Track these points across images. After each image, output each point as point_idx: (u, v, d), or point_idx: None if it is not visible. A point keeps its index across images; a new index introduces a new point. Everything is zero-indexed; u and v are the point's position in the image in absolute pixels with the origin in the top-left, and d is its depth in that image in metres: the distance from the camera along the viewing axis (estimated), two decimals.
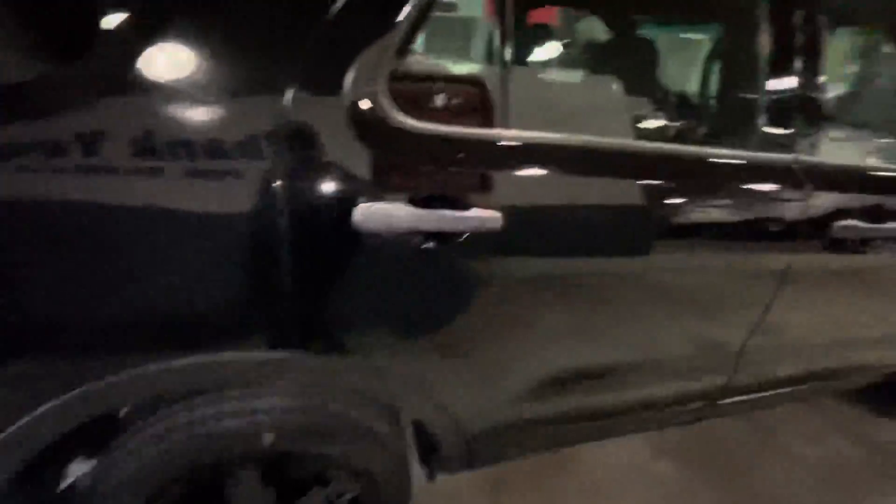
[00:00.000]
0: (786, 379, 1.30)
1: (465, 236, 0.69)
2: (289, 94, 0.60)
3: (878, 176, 1.12)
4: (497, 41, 0.78)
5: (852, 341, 1.31)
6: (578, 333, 0.92)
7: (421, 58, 1.06)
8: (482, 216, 0.68)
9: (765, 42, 0.93)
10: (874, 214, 1.04)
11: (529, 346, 0.89)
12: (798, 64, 0.94)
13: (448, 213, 0.67)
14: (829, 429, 1.66)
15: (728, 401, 1.24)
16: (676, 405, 1.18)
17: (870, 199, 1.05)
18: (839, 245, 1.03)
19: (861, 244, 1.06)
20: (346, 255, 0.67)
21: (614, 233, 0.85)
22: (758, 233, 0.96)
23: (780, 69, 0.94)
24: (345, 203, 0.63)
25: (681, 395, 1.17)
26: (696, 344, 1.10)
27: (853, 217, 1.01)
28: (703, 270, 0.97)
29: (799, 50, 0.93)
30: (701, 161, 0.92)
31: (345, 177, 0.64)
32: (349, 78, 0.63)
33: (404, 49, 0.68)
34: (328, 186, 0.63)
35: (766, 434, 1.59)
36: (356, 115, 0.63)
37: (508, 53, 0.76)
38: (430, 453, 0.97)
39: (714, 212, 0.92)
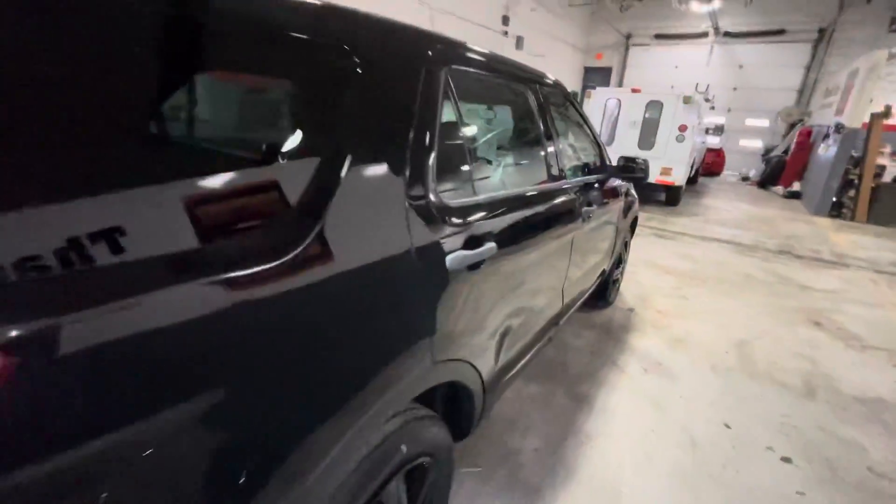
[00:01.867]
0: (572, 301, 2.21)
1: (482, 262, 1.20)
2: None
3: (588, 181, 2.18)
4: None
5: (592, 269, 2.43)
6: (520, 296, 1.53)
7: None
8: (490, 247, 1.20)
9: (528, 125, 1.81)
10: (592, 202, 2.11)
11: (500, 316, 1.40)
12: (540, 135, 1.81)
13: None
14: (581, 328, 2.95)
15: (561, 321, 2.10)
16: (548, 329, 1.94)
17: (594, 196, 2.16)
18: (587, 222, 2.05)
19: (588, 220, 2.06)
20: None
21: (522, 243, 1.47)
22: (559, 222, 1.76)
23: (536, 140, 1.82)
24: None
25: (548, 324, 1.92)
26: (553, 289, 1.88)
27: (589, 205, 2.05)
28: (546, 248, 1.66)
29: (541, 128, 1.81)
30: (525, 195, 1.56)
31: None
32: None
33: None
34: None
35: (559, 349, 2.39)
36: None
37: None
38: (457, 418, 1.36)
39: (539, 217, 1.59)
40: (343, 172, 0.84)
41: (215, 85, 0.80)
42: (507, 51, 9.56)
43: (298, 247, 0.74)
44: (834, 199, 7.55)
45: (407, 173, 0.98)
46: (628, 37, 13.78)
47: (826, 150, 7.88)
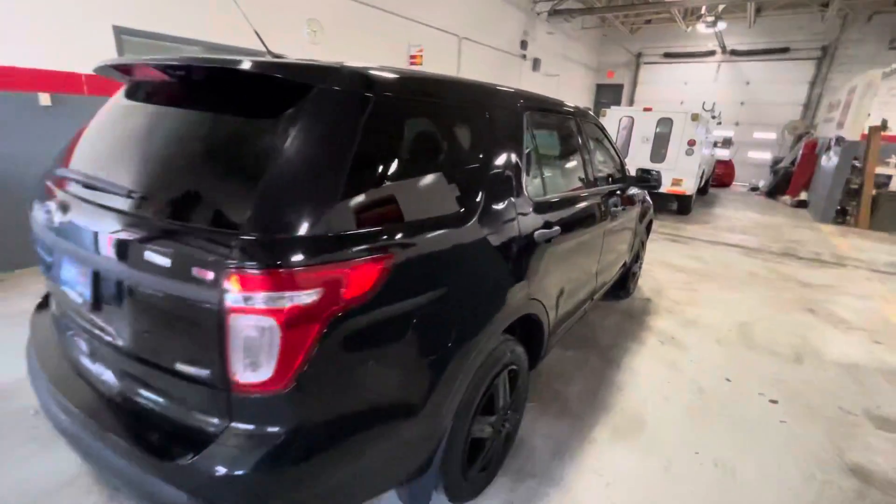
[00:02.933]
0: (602, 283, 2.81)
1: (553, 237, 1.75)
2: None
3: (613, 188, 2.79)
4: None
5: (616, 259, 3.06)
6: (570, 269, 2.16)
7: None
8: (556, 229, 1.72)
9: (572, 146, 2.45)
10: (617, 205, 2.74)
11: (560, 279, 2.02)
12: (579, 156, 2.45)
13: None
14: (607, 313, 3.54)
15: (595, 297, 2.73)
16: (585, 301, 2.55)
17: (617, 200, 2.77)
18: (613, 220, 2.67)
19: (615, 218, 2.70)
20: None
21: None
22: (595, 218, 2.37)
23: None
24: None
25: (586, 297, 2.54)
26: (590, 269, 2.50)
27: (615, 207, 2.69)
28: (587, 236, 2.29)
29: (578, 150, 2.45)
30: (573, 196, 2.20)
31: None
32: None
33: None
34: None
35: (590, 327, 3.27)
36: None
37: None
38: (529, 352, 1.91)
39: (582, 212, 2.22)
40: (485, 181, 1.48)
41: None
42: (525, 72, 10.30)
43: (468, 223, 1.38)
44: (838, 207, 8.02)
45: (514, 180, 1.63)
46: (638, 55, 14.46)
47: (829, 161, 8.37)
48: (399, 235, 1.14)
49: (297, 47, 5.27)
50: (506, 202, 1.57)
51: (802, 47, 11.99)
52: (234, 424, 1.03)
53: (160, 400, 1.13)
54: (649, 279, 4.40)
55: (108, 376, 1.23)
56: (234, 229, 0.95)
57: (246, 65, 1.04)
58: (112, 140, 1.34)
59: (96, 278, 1.17)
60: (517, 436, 2.01)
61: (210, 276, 0.93)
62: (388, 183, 1.16)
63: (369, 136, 1.12)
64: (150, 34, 4.14)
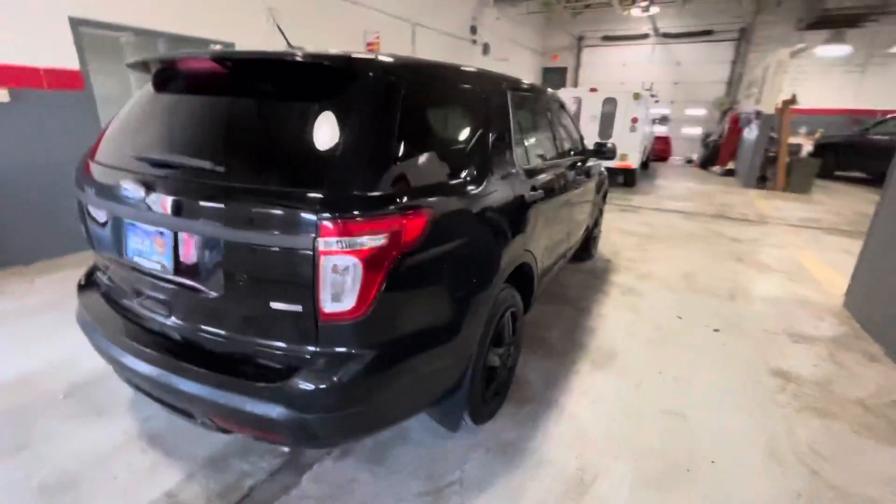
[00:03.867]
0: (573, 244, 3.29)
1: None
2: None
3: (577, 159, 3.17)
4: None
5: (582, 222, 3.48)
6: (551, 227, 2.50)
7: None
8: (540, 192, 2.07)
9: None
10: (580, 173, 3.14)
11: (544, 235, 2.36)
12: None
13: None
14: (575, 273, 3.84)
15: (568, 254, 3.13)
16: (561, 258, 2.95)
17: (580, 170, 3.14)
18: (578, 188, 3.05)
19: (578, 186, 3.07)
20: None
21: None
22: (565, 184, 2.75)
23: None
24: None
25: (562, 253, 2.96)
26: (565, 230, 2.90)
27: (578, 176, 3.07)
28: (560, 200, 2.64)
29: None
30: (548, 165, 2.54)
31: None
32: None
33: None
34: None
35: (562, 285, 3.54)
36: None
37: None
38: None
39: (556, 179, 2.56)
40: (489, 150, 1.79)
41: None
42: (476, 56, 10.60)
43: (481, 185, 1.69)
44: (759, 173, 9.03)
45: (508, 149, 1.94)
46: (580, 39, 15.15)
47: (750, 133, 9.38)
48: (436, 194, 1.42)
49: (258, 34, 5.26)
50: (506, 168, 1.88)
51: (724, 29, 13.09)
52: (320, 349, 1.30)
53: (255, 339, 1.36)
54: (607, 244, 4.92)
55: (194, 328, 1.43)
56: (320, 188, 1.20)
57: (324, 59, 1.32)
58: (174, 125, 1.51)
59: (176, 245, 1.37)
60: (515, 372, 2.38)
61: (305, 227, 1.18)
62: (423, 151, 1.43)
63: (407, 113, 1.38)
64: (108, 25, 4.05)
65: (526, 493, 1.73)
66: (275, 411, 1.26)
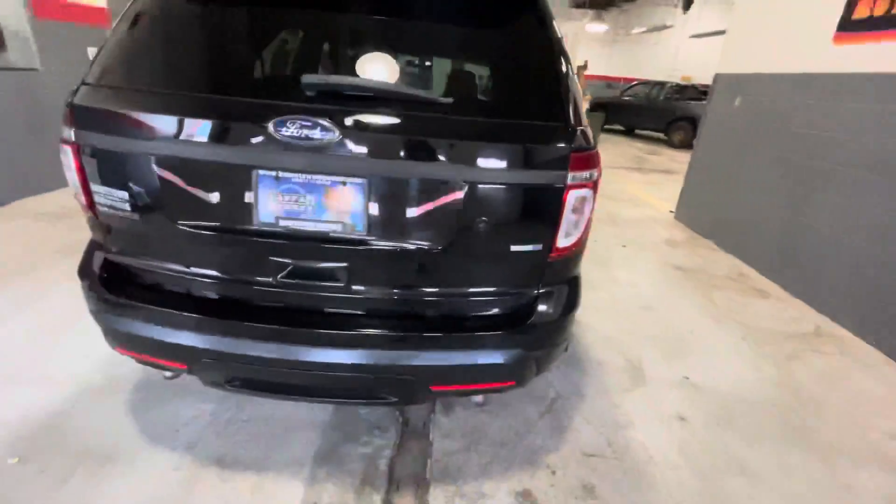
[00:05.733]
0: None
1: None
2: None
3: None
4: None
5: None
6: None
7: None
8: None
9: None
10: None
11: None
12: None
13: None
14: None
15: None
16: None
17: None
18: None
19: None
20: None
21: None
22: None
23: None
24: None
25: None
26: None
27: None
28: None
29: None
30: None
31: None
32: None
33: None
34: None
35: None
36: None
37: None
38: None
39: None
40: None
41: None
42: None
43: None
44: None
45: None
46: None
47: None
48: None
49: None
50: None
51: None
52: (542, 289, 1.30)
53: (478, 289, 1.27)
54: None
55: (390, 293, 1.25)
56: (556, 121, 1.17)
57: None
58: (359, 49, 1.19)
59: (369, 197, 1.11)
60: None
61: (558, 161, 1.15)
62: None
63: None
64: None
65: (607, 386, 2.08)
66: (504, 357, 1.24)
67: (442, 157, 1.11)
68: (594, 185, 1.25)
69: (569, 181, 1.18)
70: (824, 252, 2.98)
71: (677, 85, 11.28)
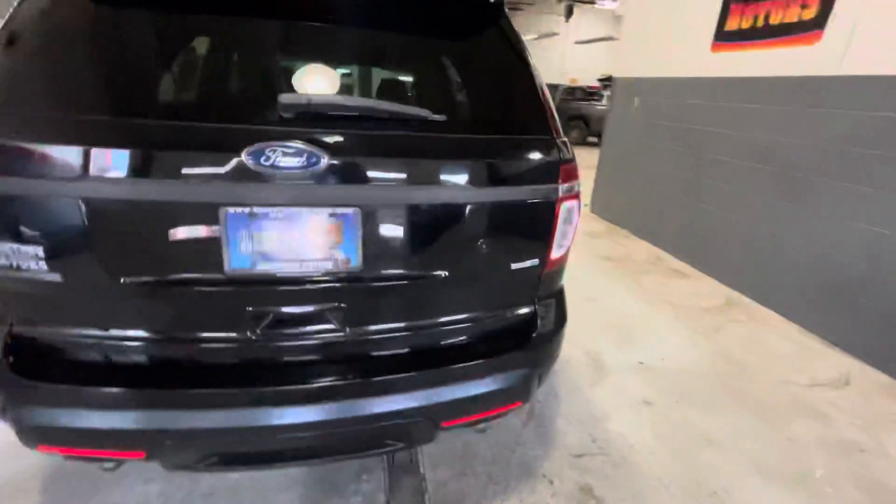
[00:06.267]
0: None
1: None
2: None
3: None
4: None
5: None
6: None
7: None
8: None
9: None
10: None
11: None
12: None
13: None
14: None
15: None
16: None
17: None
18: None
19: None
20: None
21: None
22: None
23: None
24: None
25: None
26: None
27: None
28: None
29: None
30: None
31: None
32: None
33: None
34: None
35: None
36: None
37: None
38: None
39: None
40: None
41: None
42: None
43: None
44: None
45: None
46: None
47: None
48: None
49: None
50: None
51: None
52: (537, 304, 1.28)
53: (477, 313, 1.20)
54: None
55: (388, 329, 1.12)
56: (542, 133, 1.15)
57: None
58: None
59: (365, 228, 0.99)
60: None
61: (549, 175, 1.12)
62: None
63: None
64: None
65: (576, 383, 2.15)
66: (515, 378, 1.20)
67: (442, 178, 1.03)
68: (578, 195, 1.26)
69: (560, 193, 1.17)
70: (721, 232, 3.42)
71: (569, 87, 12.24)
